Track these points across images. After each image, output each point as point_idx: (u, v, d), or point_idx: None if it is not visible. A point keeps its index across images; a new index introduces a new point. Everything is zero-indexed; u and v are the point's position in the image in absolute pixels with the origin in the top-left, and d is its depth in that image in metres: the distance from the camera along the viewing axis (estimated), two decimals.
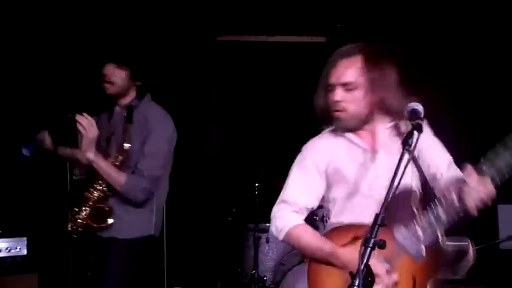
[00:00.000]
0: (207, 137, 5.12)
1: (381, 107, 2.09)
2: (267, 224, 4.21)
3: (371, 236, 1.55)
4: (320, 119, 2.22)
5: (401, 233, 1.89)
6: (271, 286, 4.09)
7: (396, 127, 2.11)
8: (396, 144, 2.02)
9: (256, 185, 4.28)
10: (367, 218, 1.73)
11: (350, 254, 1.93)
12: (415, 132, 1.75)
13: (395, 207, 1.83)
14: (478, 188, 1.70)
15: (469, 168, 1.73)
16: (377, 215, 1.60)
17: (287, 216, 2.14)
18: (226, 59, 5.24)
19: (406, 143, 1.74)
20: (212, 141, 5.15)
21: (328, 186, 2.17)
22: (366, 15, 4.90)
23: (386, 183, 1.75)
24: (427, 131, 2.07)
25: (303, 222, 2.16)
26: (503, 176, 1.69)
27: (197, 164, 4.99)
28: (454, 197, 1.75)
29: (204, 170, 5.02)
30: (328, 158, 2.16)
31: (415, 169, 2.04)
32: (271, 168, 4.64)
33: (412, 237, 1.86)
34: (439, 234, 1.84)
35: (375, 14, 4.86)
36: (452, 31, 4.65)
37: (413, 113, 1.83)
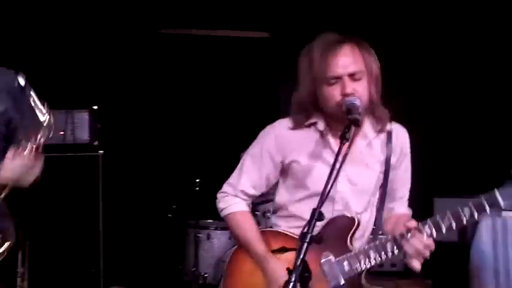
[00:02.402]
0: (146, 131, 5.02)
1: (371, 108, 1.93)
2: (208, 221, 4.19)
3: (308, 231, 1.53)
4: (304, 117, 1.97)
5: (328, 260, 1.89)
6: (212, 283, 4.05)
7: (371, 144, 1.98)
8: (364, 163, 1.96)
9: (197, 180, 4.22)
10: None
11: (276, 264, 1.93)
12: (352, 127, 1.74)
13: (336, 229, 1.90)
14: (422, 250, 1.79)
15: (414, 228, 1.80)
16: (314, 210, 1.58)
17: (231, 200, 2.11)
18: (167, 52, 5.16)
19: (344, 137, 1.72)
20: (151, 136, 5.06)
21: (283, 178, 2.08)
22: (309, 11, 4.93)
23: (344, 202, 1.89)
24: (408, 157, 2.05)
25: (246, 209, 2.11)
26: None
27: (136, 159, 4.89)
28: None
29: (143, 166, 4.93)
30: (289, 151, 2.01)
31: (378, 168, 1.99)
32: (212, 164, 4.60)
33: (337, 268, 1.88)
34: (363, 272, 1.89)
35: (318, 10, 4.89)
36: (399, 27, 4.75)
37: (351, 107, 1.81)
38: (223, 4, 4.96)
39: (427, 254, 1.80)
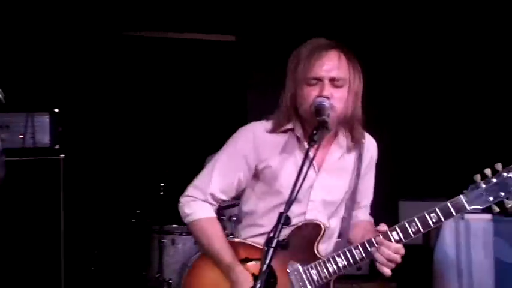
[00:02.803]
0: (109, 135, 4.94)
1: (348, 117, 1.91)
2: (173, 226, 4.11)
3: (274, 236, 1.50)
4: (285, 120, 1.95)
5: (294, 270, 1.85)
6: None
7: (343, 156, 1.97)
8: (339, 174, 1.96)
9: (162, 185, 4.15)
10: (286, 231, 1.73)
11: (243, 274, 1.87)
12: (321, 129, 1.71)
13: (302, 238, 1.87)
14: (392, 256, 1.80)
15: (383, 233, 1.81)
16: (281, 214, 1.55)
17: (198, 206, 2.00)
18: (132, 55, 5.08)
19: (312, 139, 1.70)
20: (114, 140, 4.97)
21: (254, 183, 2.02)
22: (276, 14, 4.93)
23: (317, 210, 1.88)
24: (373, 166, 2.06)
25: (213, 216, 2.01)
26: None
27: (98, 163, 4.80)
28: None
29: (106, 170, 4.84)
30: (264, 156, 1.96)
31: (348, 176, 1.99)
32: (177, 168, 4.54)
33: (305, 277, 1.85)
34: (332, 280, 1.87)
35: (284, 14, 4.90)
36: (365, 31, 4.79)
37: (320, 108, 1.78)
38: (189, 7, 4.92)
39: (398, 259, 1.81)
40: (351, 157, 2.00)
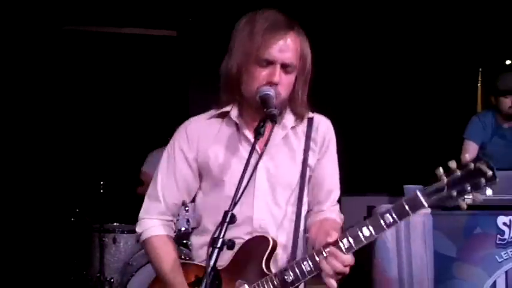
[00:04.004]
0: (46, 131, 4.79)
1: (293, 100, 1.83)
2: (114, 224, 4.07)
3: (219, 236, 1.45)
4: (229, 91, 1.83)
5: None
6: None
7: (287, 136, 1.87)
8: (284, 154, 1.85)
9: (101, 183, 4.05)
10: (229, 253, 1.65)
11: None
12: (268, 122, 1.63)
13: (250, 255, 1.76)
14: (341, 268, 1.63)
15: (332, 248, 1.64)
16: (226, 213, 1.50)
17: (148, 223, 1.91)
18: (71, 49, 4.95)
19: (258, 132, 1.62)
20: (52, 136, 4.82)
21: (200, 180, 1.91)
22: (218, 9, 4.90)
23: (267, 197, 1.79)
24: (333, 144, 1.96)
25: (163, 233, 1.90)
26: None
27: (35, 160, 4.65)
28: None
29: (44, 167, 4.69)
30: (202, 146, 1.86)
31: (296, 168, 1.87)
32: (117, 165, 4.46)
33: None
34: None
35: (227, 8, 4.87)
36: (315, 28, 4.82)
37: (266, 98, 1.70)
38: (129, 1, 4.83)
39: (346, 270, 1.64)
40: (299, 133, 1.90)
